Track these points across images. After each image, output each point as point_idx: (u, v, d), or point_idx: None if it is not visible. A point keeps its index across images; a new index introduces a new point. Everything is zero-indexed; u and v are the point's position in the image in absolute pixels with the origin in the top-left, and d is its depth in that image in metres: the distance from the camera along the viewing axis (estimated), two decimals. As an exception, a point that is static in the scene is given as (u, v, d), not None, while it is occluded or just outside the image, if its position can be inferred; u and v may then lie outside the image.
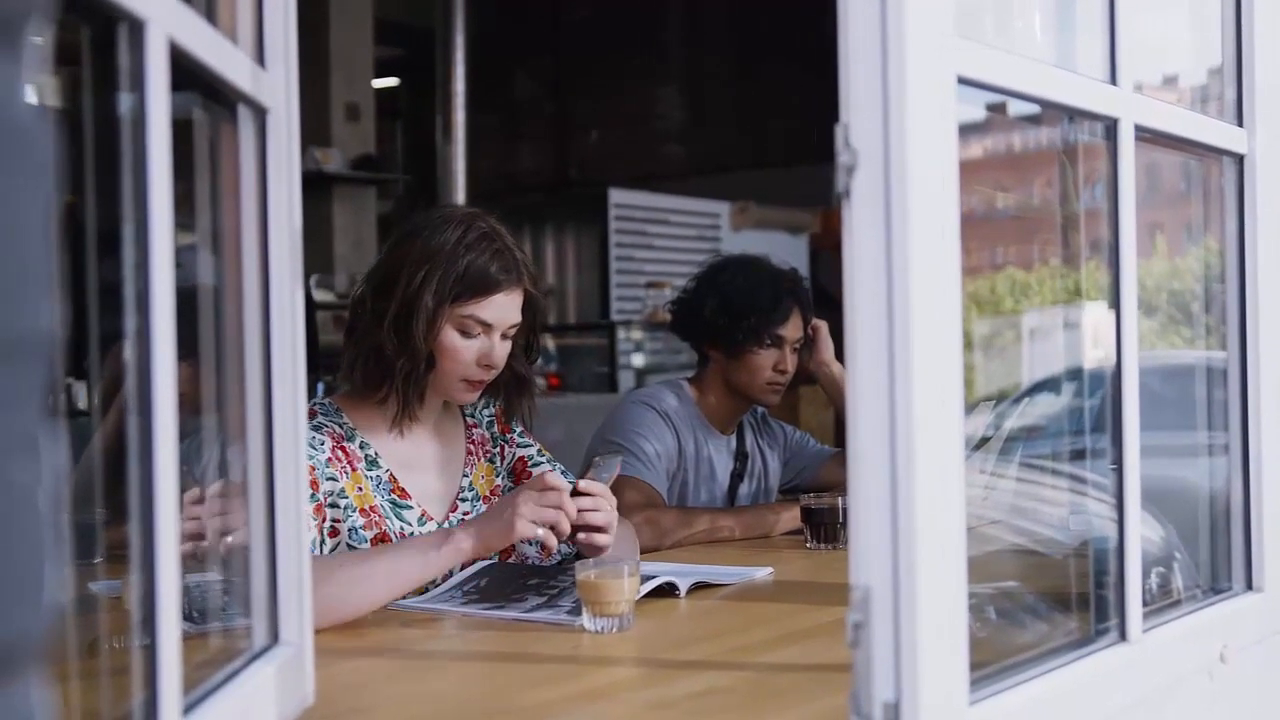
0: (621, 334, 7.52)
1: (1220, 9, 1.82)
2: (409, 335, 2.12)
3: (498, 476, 2.35)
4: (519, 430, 2.40)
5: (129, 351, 1.00)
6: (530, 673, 1.69)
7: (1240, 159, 1.80)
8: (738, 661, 1.72)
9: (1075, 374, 1.98)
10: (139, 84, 0.99)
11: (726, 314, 2.91)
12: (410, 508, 2.19)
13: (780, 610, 2.07)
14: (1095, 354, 1.88)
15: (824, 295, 5.32)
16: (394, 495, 2.18)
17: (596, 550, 2.11)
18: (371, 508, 2.14)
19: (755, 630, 1.92)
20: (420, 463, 2.24)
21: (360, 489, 2.14)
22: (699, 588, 2.15)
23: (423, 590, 2.15)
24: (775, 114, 9.18)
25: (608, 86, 9.96)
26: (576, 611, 1.87)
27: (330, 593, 1.85)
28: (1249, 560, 1.79)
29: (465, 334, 2.15)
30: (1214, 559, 1.85)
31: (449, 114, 7.36)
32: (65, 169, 0.61)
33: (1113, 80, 1.51)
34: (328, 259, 7.18)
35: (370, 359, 2.15)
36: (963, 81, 1.23)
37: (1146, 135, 1.56)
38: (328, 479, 2.09)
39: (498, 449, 2.37)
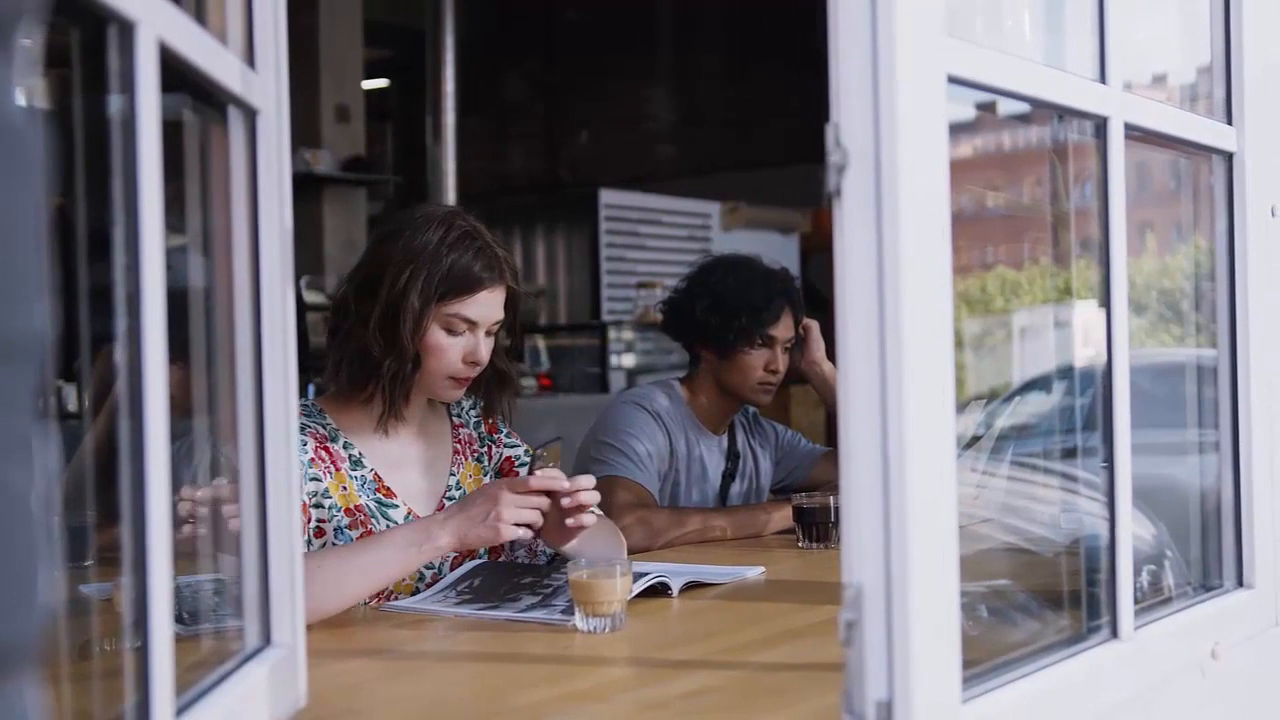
0: (613, 334, 7.51)
1: (1209, 7, 1.82)
2: (395, 335, 2.12)
3: (485, 475, 2.35)
4: (505, 430, 2.41)
5: (120, 354, 1.00)
6: (523, 673, 1.69)
7: (1229, 157, 1.81)
8: (730, 661, 1.72)
9: (1065, 373, 1.99)
10: (129, 85, 0.99)
11: (718, 314, 2.92)
12: (396, 506, 2.19)
13: (772, 609, 2.07)
14: (1085, 352, 1.89)
15: (815, 295, 5.34)
16: (379, 494, 2.18)
17: (579, 530, 2.11)
18: (357, 507, 2.15)
19: (747, 629, 1.93)
20: (405, 462, 2.25)
21: (345, 489, 2.15)
22: (691, 587, 2.15)
23: (415, 590, 2.15)
24: (766, 114, 9.20)
25: (598, 87, 9.97)
26: (571, 610, 1.87)
27: (310, 592, 1.85)
28: (1239, 557, 1.80)
29: (451, 332, 2.16)
30: (1205, 556, 1.85)
31: (439, 115, 7.36)
32: (55, 171, 0.61)
33: (1102, 79, 1.51)
34: (318, 260, 7.18)
35: (355, 360, 2.16)
36: (953, 80, 1.23)
37: (1136, 134, 1.57)
38: (311, 479, 2.10)
39: (485, 449, 2.37)
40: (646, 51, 9.94)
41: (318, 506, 2.10)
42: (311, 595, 1.85)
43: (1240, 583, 1.79)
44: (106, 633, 1.43)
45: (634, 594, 1.96)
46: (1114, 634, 1.49)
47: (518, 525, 1.97)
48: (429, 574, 2.19)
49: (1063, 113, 1.57)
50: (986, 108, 1.48)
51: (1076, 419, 1.88)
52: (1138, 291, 1.57)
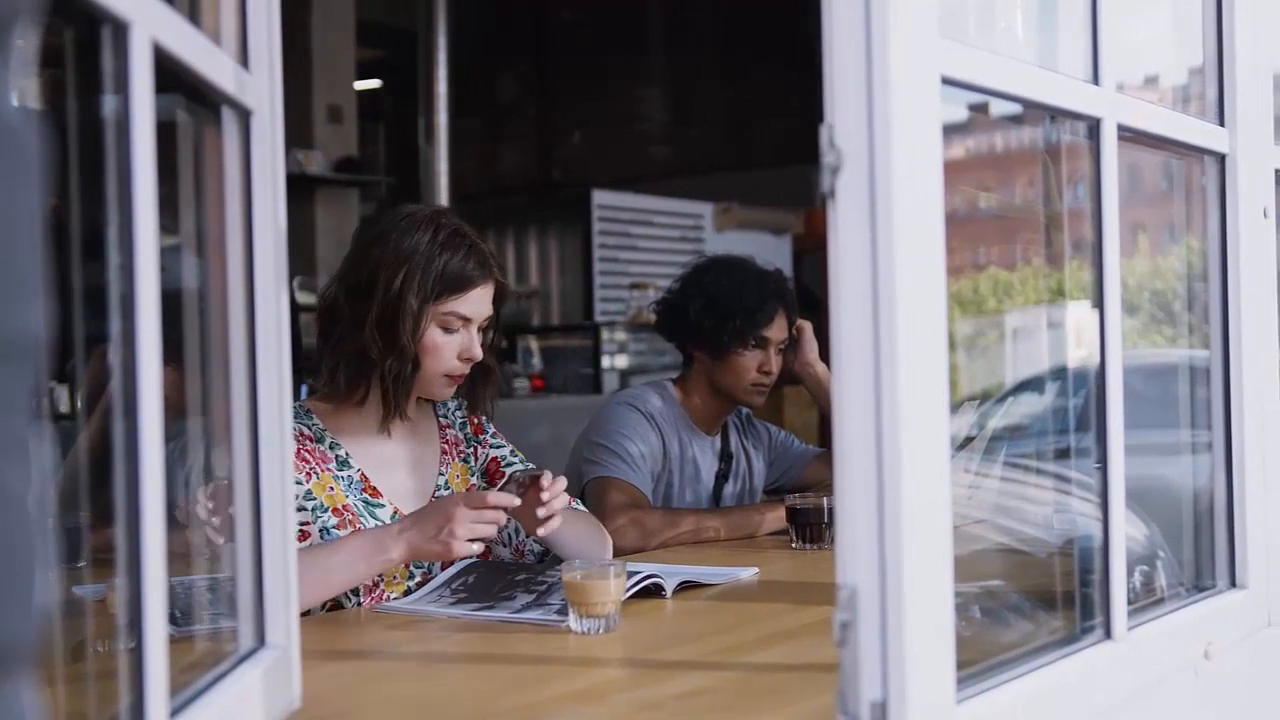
0: (605, 335, 7.51)
1: (1201, 8, 1.83)
2: (395, 337, 2.15)
3: (472, 476, 2.38)
4: (491, 431, 2.43)
5: (114, 355, 1.00)
6: (517, 674, 1.69)
7: (1222, 158, 1.81)
8: (724, 662, 1.72)
9: (1058, 373, 1.99)
10: (123, 86, 0.99)
11: (711, 315, 2.92)
12: (382, 506, 2.21)
13: (766, 610, 2.08)
14: (1078, 353, 1.89)
15: (808, 296, 5.34)
16: (365, 494, 2.21)
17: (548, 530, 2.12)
18: (344, 507, 2.17)
19: (741, 630, 1.93)
20: (393, 462, 2.27)
21: (331, 489, 2.16)
22: (685, 588, 2.15)
23: (407, 590, 2.15)
24: (759, 115, 9.20)
25: (591, 88, 9.97)
26: (565, 609, 1.87)
27: None
28: (1232, 558, 1.80)
29: (447, 330, 2.19)
30: (1198, 557, 1.85)
31: (431, 115, 7.35)
32: (50, 171, 0.61)
33: (1095, 80, 1.51)
34: (310, 261, 7.16)
35: (352, 362, 2.17)
36: (947, 82, 1.23)
37: (1129, 135, 1.57)
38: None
39: (470, 449, 2.40)
40: (639, 52, 9.94)
41: (299, 509, 2.10)
42: None
43: (1233, 583, 1.80)
44: (100, 634, 1.43)
45: (628, 594, 1.96)
46: (1108, 635, 1.49)
47: (472, 541, 1.96)
48: (419, 573, 2.20)
49: (1056, 114, 1.57)
50: (978, 108, 1.48)
51: (1069, 420, 1.88)
52: (1130, 292, 1.57)
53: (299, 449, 2.14)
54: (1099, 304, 1.52)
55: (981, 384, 1.97)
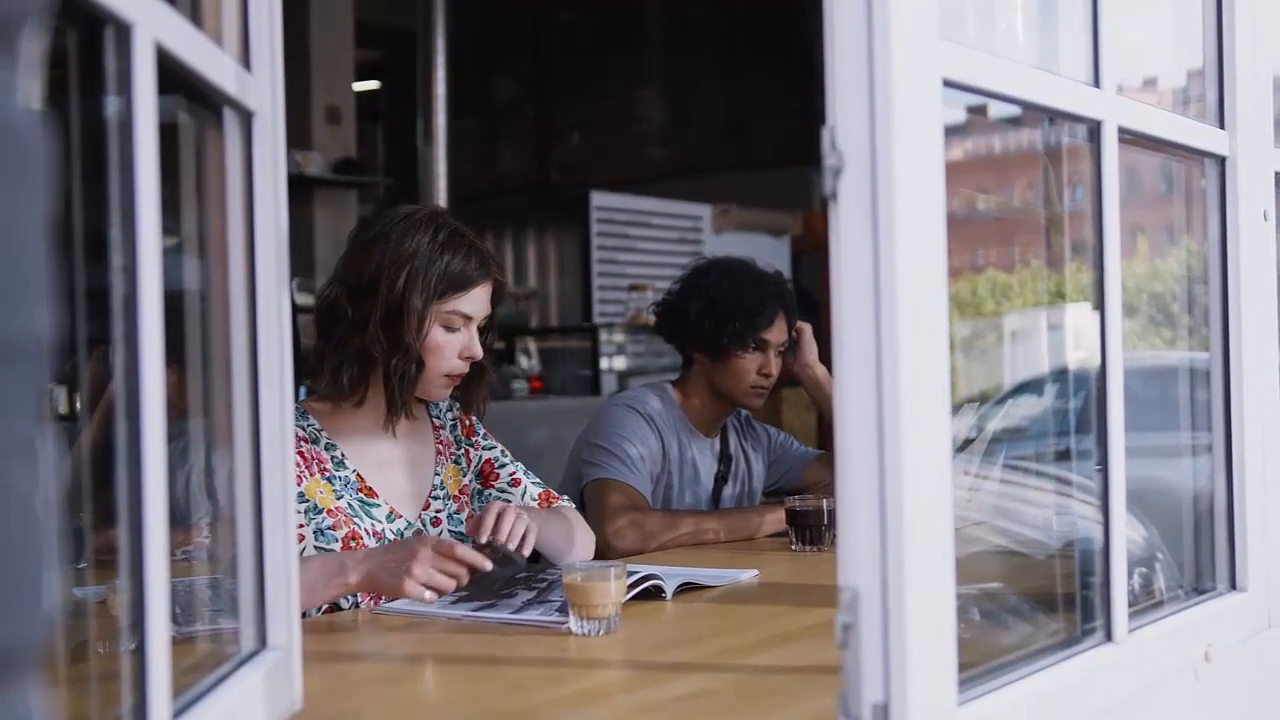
0: (604, 337, 7.51)
1: (1201, 11, 1.83)
2: (399, 336, 2.17)
3: (464, 477, 2.39)
4: (482, 433, 2.45)
5: (117, 356, 0.99)
6: (518, 676, 1.69)
7: (1222, 161, 1.81)
8: (725, 664, 1.72)
9: (1057, 375, 1.99)
10: (126, 87, 0.99)
11: (711, 317, 2.91)
12: (378, 505, 2.23)
13: (766, 612, 2.08)
14: (1077, 355, 1.89)
15: (806, 297, 5.35)
16: (361, 494, 2.22)
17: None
18: (339, 508, 2.18)
19: (742, 632, 1.93)
20: (389, 462, 2.28)
21: (324, 491, 2.17)
22: (685, 590, 2.15)
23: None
24: (757, 116, 9.20)
25: (589, 89, 9.97)
26: (566, 609, 1.87)
27: None
28: (1232, 560, 1.80)
29: (449, 329, 2.21)
30: (1198, 559, 1.85)
31: (430, 116, 7.35)
32: (54, 173, 0.61)
33: (1096, 83, 1.51)
34: (309, 262, 7.16)
35: (355, 362, 2.18)
36: (948, 84, 1.23)
37: (1129, 137, 1.57)
38: None
39: (462, 451, 2.41)
40: (637, 53, 9.94)
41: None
42: None
43: (1233, 585, 1.80)
44: (101, 635, 1.43)
45: (628, 596, 1.96)
46: (1108, 637, 1.49)
47: (426, 586, 1.90)
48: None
49: (1057, 116, 1.57)
50: (977, 110, 1.48)
51: (1068, 422, 1.88)
52: (1129, 295, 1.57)
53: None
54: (1100, 306, 1.52)
55: (980, 386, 1.98)
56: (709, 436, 3.05)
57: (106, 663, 1.23)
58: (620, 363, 7.52)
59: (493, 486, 2.40)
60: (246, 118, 1.33)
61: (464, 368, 2.25)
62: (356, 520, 2.18)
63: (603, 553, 2.67)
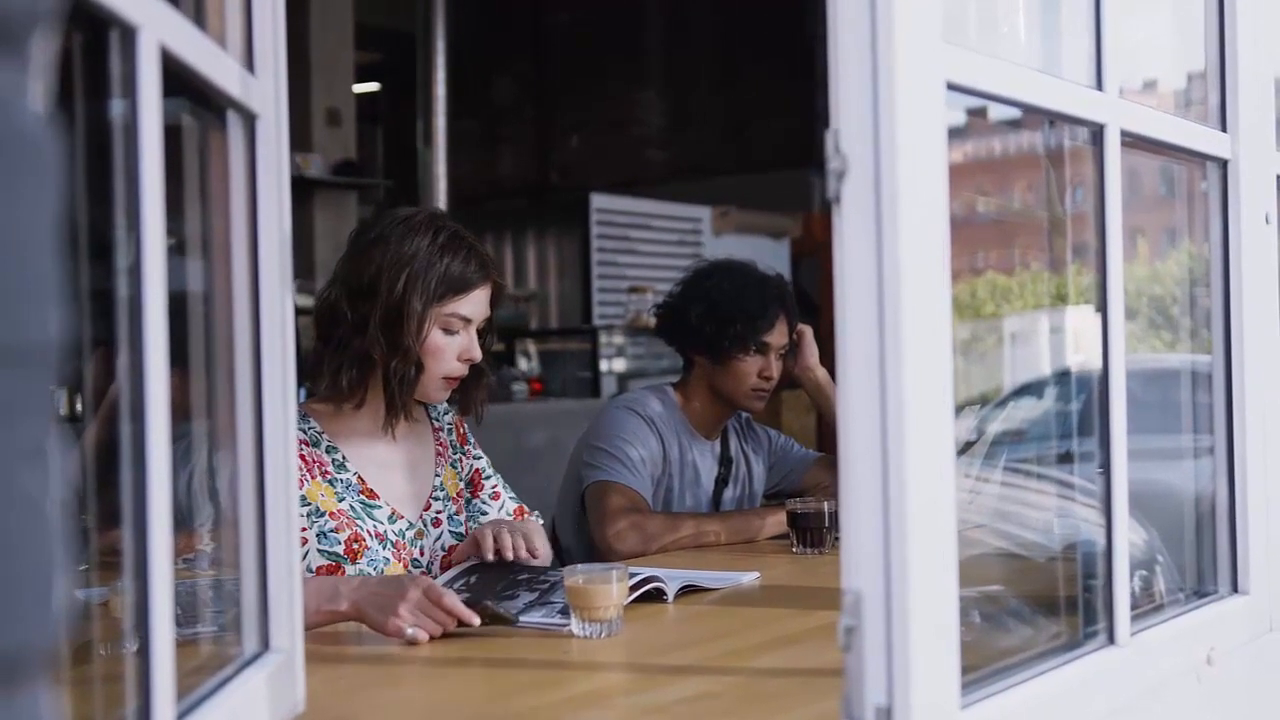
0: (604, 339, 7.50)
1: (1203, 14, 1.83)
2: (398, 338, 2.17)
3: (459, 482, 2.41)
4: (473, 440, 2.47)
5: (121, 358, 0.99)
6: (520, 678, 1.69)
7: (1224, 164, 1.81)
8: (727, 666, 1.72)
9: (1057, 378, 1.99)
10: (131, 90, 0.99)
11: (713, 320, 2.91)
12: (380, 507, 2.23)
13: (768, 615, 2.08)
14: (1077, 358, 1.89)
15: (805, 300, 5.35)
16: (363, 496, 2.22)
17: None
18: (341, 510, 2.18)
19: (744, 635, 1.93)
20: (390, 464, 2.29)
21: (326, 494, 2.18)
22: (686, 592, 2.15)
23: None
24: (757, 118, 9.20)
25: (589, 91, 9.97)
26: (569, 610, 1.87)
27: None
28: (1234, 563, 1.80)
29: (448, 331, 2.22)
30: (1199, 562, 1.85)
31: (430, 118, 7.34)
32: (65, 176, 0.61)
33: (1099, 86, 1.52)
34: (308, 264, 7.16)
35: (355, 365, 2.18)
36: (952, 87, 1.23)
37: (1131, 140, 1.57)
38: None
39: (457, 457, 2.43)
40: (637, 55, 9.94)
41: None
42: None
43: (1235, 589, 1.80)
44: (103, 637, 1.43)
45: (630, 599, 1.96)
46: (1111, 640, 1.49)
47: (410, 629, 1.84)
48: (417, 572, 2.22)
49: (1061, 120, 1.57)
50: (977, 113, 1.48)
51: (1069, 424, 1.88)
52: (1128, 297, 1.58)
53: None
54: (1102, 309, 1.52)
55: (980, 388, 1.98)
56: (709, 439, 3.05)
57: (109, 665, 1.23)
58: (620, 365, 7.52)
59: (478, 497, 2.41)
60: (250, 120, 1.33)
61: (463, 370, 2.25)
62: (359, 522, 2.18)
63: (604, 555, 2.67)
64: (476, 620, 1.85)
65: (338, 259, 2.30)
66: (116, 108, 1.00)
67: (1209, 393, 1.86)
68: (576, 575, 1.86)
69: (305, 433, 2.20)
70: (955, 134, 1.30)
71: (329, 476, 2.19)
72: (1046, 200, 1.83)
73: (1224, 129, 1.81)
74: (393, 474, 2.28)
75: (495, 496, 2.43)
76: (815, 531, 2.63)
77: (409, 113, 7.59)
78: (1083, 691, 1.44)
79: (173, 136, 1.11)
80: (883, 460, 1.14)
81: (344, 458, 2.23)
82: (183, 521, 1.49)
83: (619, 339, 7.56)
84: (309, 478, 2.16)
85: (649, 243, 8.28)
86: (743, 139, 9.35)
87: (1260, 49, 1.84)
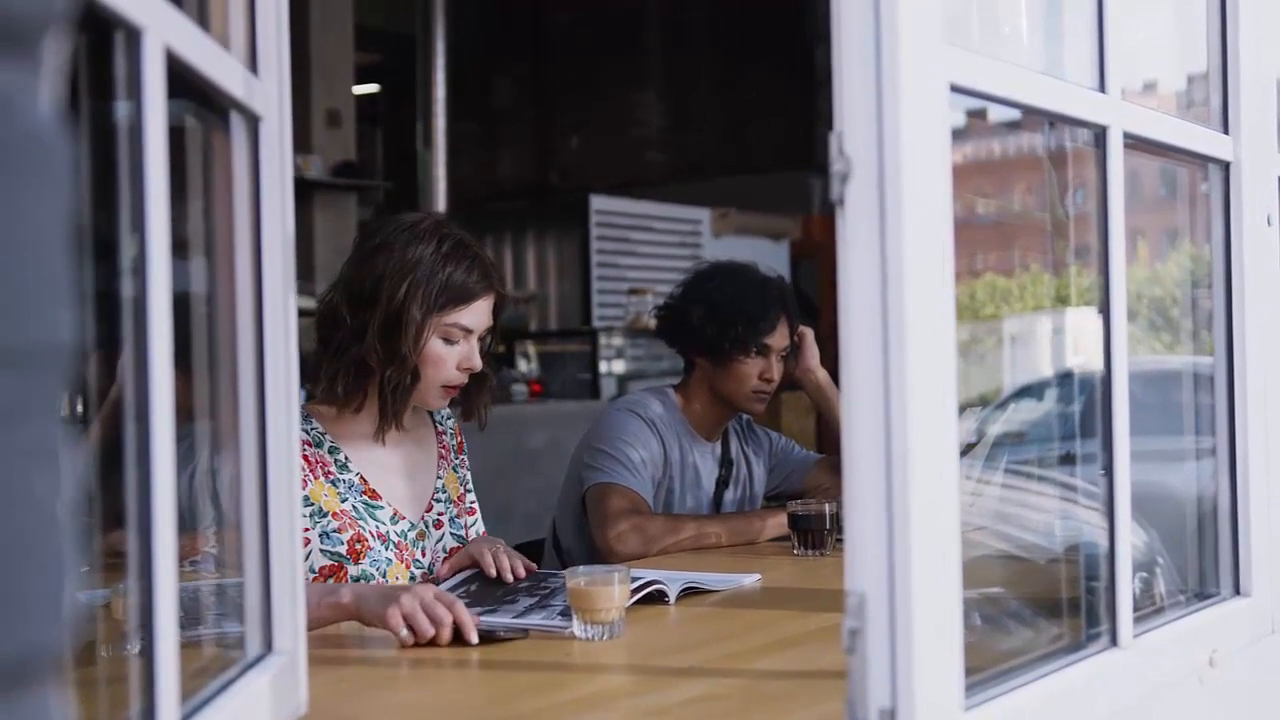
0: (603, 340, 7.50)
1: (1205, 16, 1.83)
2: (396, 347, 2.16)
3: (461, 486, 2.42)
4: (467, 450, 2.47)
5: (125, 359, 1.00)
6: (522, 680, 1.69)
7: (1226, 166, 1.81)
8: (730, 668, 1.72)
9: (1059, 380, 1.99)
10: (136, 91, 0.99)
11: (714, 322, 2.91)
12: (382, 508, 2.23)
13: (770, 616, 2.08)
14: (1077, 360, 1.89)
15: (804, 301, 5.35)
16: (365, 496, 2.22)
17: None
18: (343, 510, 2.18)
19: (746, 637, 1.93)
20: (392, 466, 2.29)
21: (328, 494, 2.18)
22: (688, 594, 2.15)
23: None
24: (756, 120, 9.21)
25: (588, 92, 9.97)
26: (569, 613, 1.87)
27: None
28: (1236, 565, 1.80)
29: (448, 341, 2.21)
30: (1201, 564, 1.85)
31: (429, 120, 7.34)
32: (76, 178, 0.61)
33: (1101, 88, 1.52)
34: (308, 266, 7.16)
35: (352, 371, 2.18)
36: (955, 89, 1.23)
37: (1133, 142, 1.57)
38: None
39: (459, 461, 2.44)
40: (636, 57, 9.95)
41: None
42: None
43: (1237, 591, 1.80)
44: (105, 639, 1.43)
45: (631, 601, 1.96)
46: (1113, 642, 1.49)
47: (406, 624, 1.81)
48: (419, 573, 2.22)
49: (1063, 121, 1.57)
50: (976, 114, 1.48)
51: (1070, 426, 1.88)
52: (1129, 299, 1.58)
53: None
54: (1105, 311, 1.52)
55: (979, 390, 1.98)
56: (710, 441, 3.05)
57: (111, 666, 1.23)
58: (619, 366, 7.52)
59: (459, 506, 2.40)
60: (253, 122, 1.33)
61: (462, 379, 2.25)
62: (361, 523, 2.18)
63: (605, 557, 2.67)
64: (474, 637, 1.82)
65: (343, 263, 2.29)
66: (121, 109, 1.00)
67: (1210, 394, 1.86)
68: (578, 577, 1.86)
69: (308, 433, 2.21)
70: (954, 136, 1.31)
71: (331, 477, 2.19)
72: (1046, 202, 1.83)
73: (1226, 131, 1.81)
74: (395, 475, 2.28)
75: (471, 512, 2.43)
76: (816, 533, 2.63)
77: (409, 114, 7.59)
78: (1085, 693, 1.44)
79: (176, 138, 1.11)
80: (886, 462, 1.14)
81: (346, 458, 2.23)
82: (185, 522, 1.49)
83: (618, 340, 7.56)
84: (312, 478, 2.16)
85: (648, 244, 8.28)
86: (742, 140, 9.36)
87: (1262, 50, 1.84)
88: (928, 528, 1.15)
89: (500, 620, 1.95)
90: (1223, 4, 1.80)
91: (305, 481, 2.14)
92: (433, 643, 1.80)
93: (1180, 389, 1.99)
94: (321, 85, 7.40)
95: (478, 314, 2.23)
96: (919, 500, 1.14)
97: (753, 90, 9.26)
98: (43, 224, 0.54)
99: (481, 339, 2.26)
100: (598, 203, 8.15)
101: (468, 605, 2.03)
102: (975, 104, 1.39)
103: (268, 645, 1.35)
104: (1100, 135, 1.52)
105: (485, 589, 2.09)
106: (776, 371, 2.95)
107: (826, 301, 7.14)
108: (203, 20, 1.21)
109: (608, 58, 9.84)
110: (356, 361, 2.18)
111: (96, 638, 1.41)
